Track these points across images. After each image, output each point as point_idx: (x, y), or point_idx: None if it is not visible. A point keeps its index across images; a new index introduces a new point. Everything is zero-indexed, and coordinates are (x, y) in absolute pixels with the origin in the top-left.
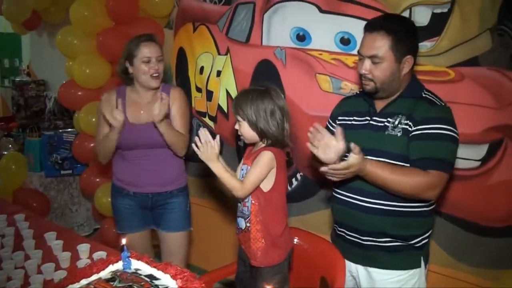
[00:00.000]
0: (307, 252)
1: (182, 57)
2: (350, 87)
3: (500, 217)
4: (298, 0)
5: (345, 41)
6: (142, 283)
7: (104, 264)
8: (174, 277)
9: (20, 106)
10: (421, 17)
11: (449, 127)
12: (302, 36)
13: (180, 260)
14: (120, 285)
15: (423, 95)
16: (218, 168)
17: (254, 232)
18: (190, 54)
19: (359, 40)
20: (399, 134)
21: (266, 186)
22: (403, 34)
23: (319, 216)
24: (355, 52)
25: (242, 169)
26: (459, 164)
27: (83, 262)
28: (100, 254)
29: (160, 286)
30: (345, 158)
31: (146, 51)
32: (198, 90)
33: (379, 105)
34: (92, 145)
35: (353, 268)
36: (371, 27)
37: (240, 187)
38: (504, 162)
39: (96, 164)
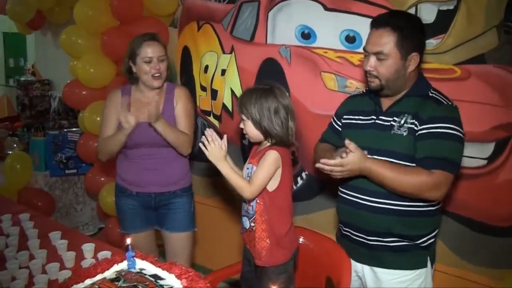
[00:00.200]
0: (313, 251)
1: (186, 56)
2: (355, 85)
3: (506, 216)
4: None
5: (351, 39)
6: (147, 283)
7: (108, 264)
8: (179, 276)
9: (25, 106)
10: (427, 14)
11: (455, 127)
12: (307, 34)
13: (184, 260)
14: (124, 285)
15: (430, 94)
16: (226, 168)
17: (259, 232)
18: (194, 53)
19: (365, 38)
20: (405, 134)
21: (272, 185)
22: (409, 31)
23: (324, 215)
24: (360, 50)
25: (248, 168)
26: (465, 162)
27: (87, 261)
28: (105, 254)
29: (165, 286)
30: (343, 156)
31: (148, 50)
32: (203, 89)
33: (385, 103)
34: (96, 145)
35: (359, 268)
36: (377, 23)
37: (247, 188)
38: (511, 160)
39: (101, 163)
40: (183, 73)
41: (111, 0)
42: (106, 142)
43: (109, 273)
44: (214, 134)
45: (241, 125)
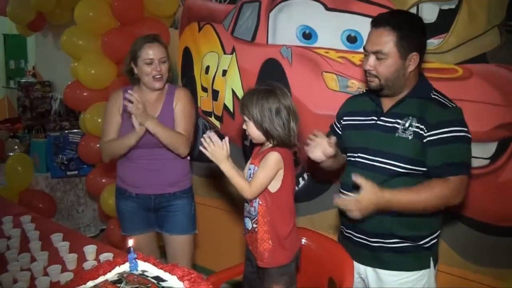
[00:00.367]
0: (315, 252)
1: (187, 57)
2: (357, 85)
3: (509, 215)
4: None
5: (352, 39)
6: (149, 285)
7: (110, 265)
8: (181, 278)
9: (25, 107)
10: (429, 13)
11: (462, 128)
12: (308, 34)
13: (185, 263)
14: (127, 287)
15: (432, 96)
16: (228, 169)
17: (261, 233)
18: (195, 53)
19: (366, 38)
20: (410, 137)
21: (274, 186)
22: (409, 31)
23: (326, 215)
24: (362, 50)
25: (250, 169)
26: None
27: (89, 263)
28: (107, 256)
29: None
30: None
31: (150, 52)
32: (204, 89)
33: (386, 104)
34: (98, 146)
35: (361, 270)
36: (377, 22)
37: (248, 188)
38: None
39: (102, 165)
40: (184, 74)
41: (112, 1)
42: (112, 144)
43: (111, 275)
44: (215, 136)
45: (244, 126)
